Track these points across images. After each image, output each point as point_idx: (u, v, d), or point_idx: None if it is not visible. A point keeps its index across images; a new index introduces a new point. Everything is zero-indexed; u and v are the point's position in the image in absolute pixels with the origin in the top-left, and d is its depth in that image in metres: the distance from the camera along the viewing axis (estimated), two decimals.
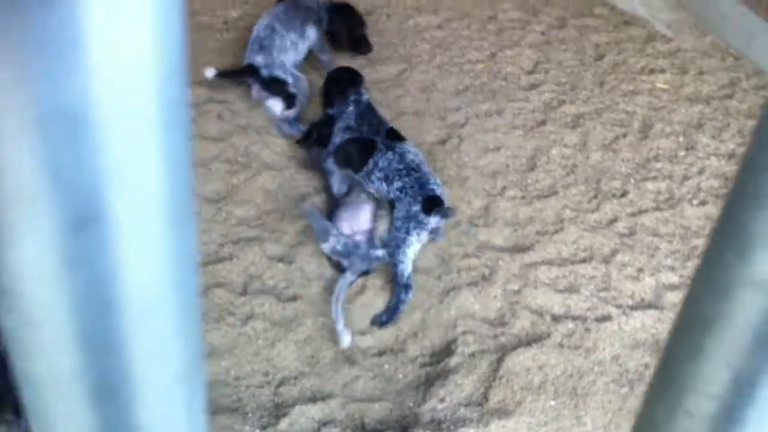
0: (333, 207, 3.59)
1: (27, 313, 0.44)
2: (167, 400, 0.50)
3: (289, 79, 4.19)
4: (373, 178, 3.58)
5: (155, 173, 0.43)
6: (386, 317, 3.22)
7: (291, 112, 4.15)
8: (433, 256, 3.53)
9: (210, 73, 4.26)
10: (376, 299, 3.33)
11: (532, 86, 4.64)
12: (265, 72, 4.18)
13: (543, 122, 4.36)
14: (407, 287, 3.27)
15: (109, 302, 0.43)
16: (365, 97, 4.01)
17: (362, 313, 3.28)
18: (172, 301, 0.46)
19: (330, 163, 3.77)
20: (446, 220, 3.48)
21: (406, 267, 3.31)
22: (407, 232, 3.35)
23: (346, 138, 3.79)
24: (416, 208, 3.39)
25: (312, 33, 4.46)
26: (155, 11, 0.40)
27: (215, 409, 2.84)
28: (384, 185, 3.54)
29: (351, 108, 3.92)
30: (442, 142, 4.19)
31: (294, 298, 3.30)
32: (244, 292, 3.31)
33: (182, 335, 0.49)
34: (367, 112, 3.93)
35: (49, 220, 0.40)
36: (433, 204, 3.39)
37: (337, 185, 3.71)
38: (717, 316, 0.63)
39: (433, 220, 3.40)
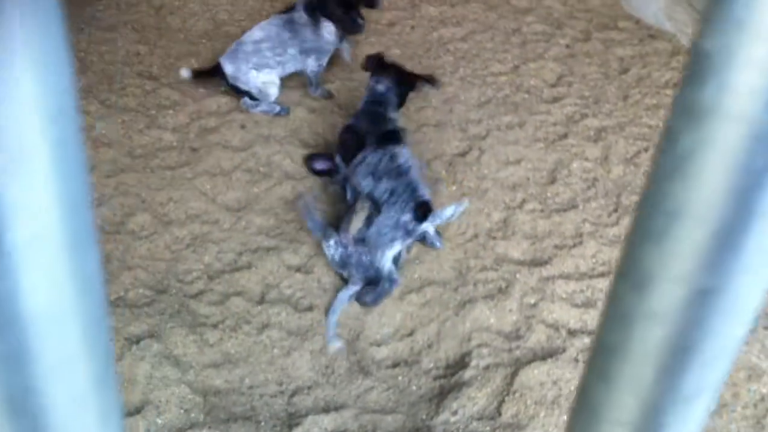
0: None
1: None
2: (77, 413, 0.52)
3: (253, 90, 4.34)
4: (359, 171, 3.60)
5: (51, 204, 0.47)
6: (370, 299, 3.32)
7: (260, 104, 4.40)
8: (450, 269, 3.54)
9: (185, 73, 4.43)
10: (392, 309, 3.34)
11: (555, 99, 4.63)
12: (230, 80, 4.35)
13: (565, 135, 4.35)
14: (392, 280, 3.34)
15: (10, 319, 0.46)
16: (380, 86, 3.95)
17: (377, 322, 3.29)
18: (76, 317, 0.49)
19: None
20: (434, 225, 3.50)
21: (385, 264, 3.33)
22: (392, 240, 3.36)
23: (346, 124, 3.87)
24: (406, 217, 3.39)
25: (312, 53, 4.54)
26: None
27: (228, 418, 2.86)
28: (371, 181, 3.56)
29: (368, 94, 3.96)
30: (463, 154, 4.19)
31: (310, 308, 3.32)
32: (261, 301, 3.34)
33: (89, 349, 0.51)
34: (378, 103, 3.90)
35: None
36: (424, 210, 3.41)
37: (349, 193, 3.73)
38: (619, 346, 0.66)
39: (423, 227, 3.41)
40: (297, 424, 2.87)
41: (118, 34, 4.99)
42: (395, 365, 3.16)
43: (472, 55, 5.00)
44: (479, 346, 3.18)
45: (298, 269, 3.48)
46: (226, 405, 2.91)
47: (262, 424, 2.88)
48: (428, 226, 3.41)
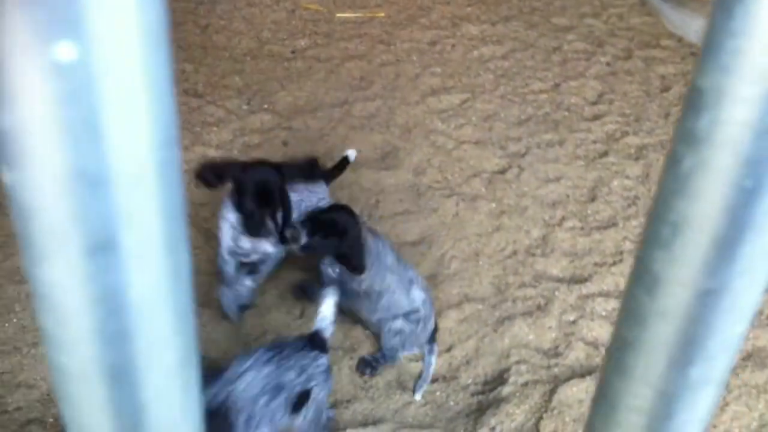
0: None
1: (60, 314, 0.59)
2: (166, 384, 0.66)
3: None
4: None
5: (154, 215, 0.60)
6: (369, 370, 3.18)
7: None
8: (489, 285, 3.55)
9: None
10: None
11: (596, 117, 4.63)
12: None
13: (605, 153, 4.35)
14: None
15: (119, 306, 0.59)
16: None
17: None
18: (167, 306, 0.63)
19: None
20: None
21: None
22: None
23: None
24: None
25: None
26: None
27: None
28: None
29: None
30: (503, 171, 4.21)
31: (353, 325, 3.35)
32: (300, 315, 3.38)
33: (178, 334, 0.65)
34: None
35: (73, 245, 0.56)
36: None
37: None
38: (634, 341, 0.76)
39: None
40: None
41: None
42: (434, 381, 3.17)
43: (513, 73, 5.03)
44: (518, 362, 3.18)
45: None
46: None
47: None
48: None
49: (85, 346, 0.60)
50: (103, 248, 0.56)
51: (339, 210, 3.01)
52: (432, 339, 3.22)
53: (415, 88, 4.82)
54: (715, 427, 2.96)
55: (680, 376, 0.75)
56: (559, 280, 3.58)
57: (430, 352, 3.22)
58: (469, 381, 3.17)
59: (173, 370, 0.66)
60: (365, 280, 3.03)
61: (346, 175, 4.13)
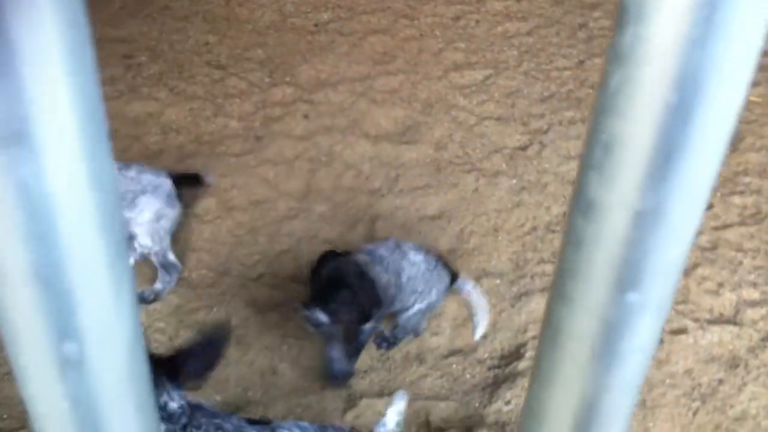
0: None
1: None
2: (97, 284, 0.68)
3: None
4: None
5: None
6: (385, 345, 3.18)
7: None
8: (508, 261, 3.54)
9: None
10: (449, 299, 3.36)
11: None
12: None
13: None
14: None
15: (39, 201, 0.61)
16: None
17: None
18: (91, 204, 0.64)
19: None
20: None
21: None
22: None
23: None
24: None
25: None
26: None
27: (284, 395, 2.93)
28: None
29: None
30: (524, 148, 4.19)
31: None
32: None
33: (104, 232, 0.66)
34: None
35: None
36: None
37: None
38: (574, 267, 0.76)
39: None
40: (352, 407, 2.91)
41: (189, 24, 5.11)
42: (450, 354, 3.18)
43: (537, 49, 4.99)
44: (535, 338, 3.18)
45: None
46: (283, 384, 2.98)
47: (316, 404, 2.94)
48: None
49: (8, 246, 0.61)
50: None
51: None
52: (453, 282, 3.15)
53: (438, 63, 4.80)
54: (732, 407, 2.95)
55: (618, 302, 0.74)
56: None
57: (467, 291, 3.17)
58: (486, 355, 3.17)
59: (104, 270, 0.67)
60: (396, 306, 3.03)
61: (366, 149, 4.13)
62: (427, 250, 3.12)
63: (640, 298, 0.74)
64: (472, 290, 3.16)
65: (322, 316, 2.74)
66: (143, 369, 0.79)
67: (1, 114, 0.54)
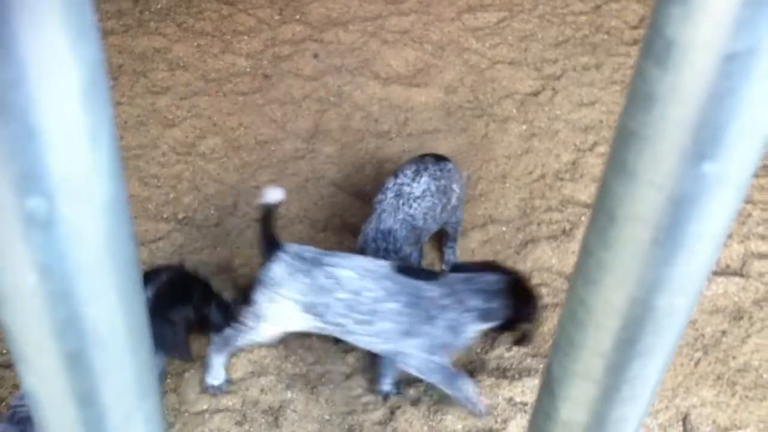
0: None
1: None
2: (68, 122, 0.56)
3: None
4: None
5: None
6: None
7: None
8: (515, 207, 3.51)
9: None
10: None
11: (635, 41, 4.49)
12: None
13: None
14: None
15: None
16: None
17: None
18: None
19: None
20: None
21: None
22: None
23: None
24: None
25: None
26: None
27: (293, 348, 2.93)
28: None
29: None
30: (536, 94, 4.12)
31: None
32: (324, 228, 3.39)
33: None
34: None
35: None
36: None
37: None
38: (640, 129, 0.62)
39: None
40: (350, 350, 2.92)
41: None
42: None
43: None
44: (539, 285, 3.17)
45: (362, 198, 3.51)
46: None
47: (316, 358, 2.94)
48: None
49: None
50: None
51: None
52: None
53: (452, 4, 4.69)
54: (734, 358, 2.95)
55: (692, 173, 0.61)
56: (587, 206, 3.53)
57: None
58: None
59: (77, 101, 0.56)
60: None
61: (376, 91, 4.08)
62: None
63: (719, 169, 0.60)
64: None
65: None
66: (127, 240, 0.64)
67: None
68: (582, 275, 0.75)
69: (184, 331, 2.42)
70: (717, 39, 0.54)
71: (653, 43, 0.58)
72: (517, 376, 2.85)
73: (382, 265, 2.54)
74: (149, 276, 2.38)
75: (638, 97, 0.61)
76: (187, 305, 2.42)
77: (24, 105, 0.50)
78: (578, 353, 0.79)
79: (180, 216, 3.42)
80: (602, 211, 0.69)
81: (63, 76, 0.52)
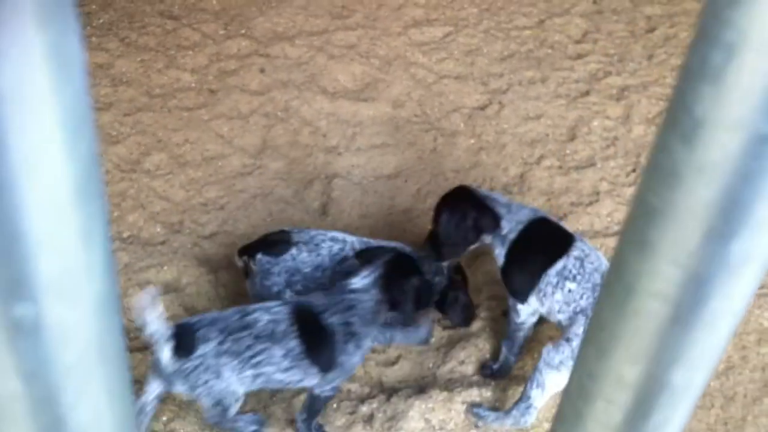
0: None
1: None
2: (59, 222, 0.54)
3: None
4: None
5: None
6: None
7: None
8: None
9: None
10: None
11: (579, 56, 4.56)
12: None
13: (587, 93, 4.29)
14: None
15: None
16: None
17: None
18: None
19: None
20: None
21: None
22: None
23: None
24: None
25: None
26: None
27: None
28: None
29: None
30: (483, 108, 4.15)
31: None
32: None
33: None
34: None
35: None
36: None
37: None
38: (663, 206, 0.61)
39: None
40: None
41: None
42: None
43: (497, 7, 4.92)
44: (489, 298, 3.18)
45: (311, 214, 3.48)
46: None
47: None
48: None
49: None
50: None
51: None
52: None
53: (398, 19, 4.72)
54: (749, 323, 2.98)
55: (717, 251, 0.59)
56: None
57: None
58: (440, 316, 3.16)
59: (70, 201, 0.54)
60: None
61: (323, 106, 4.06)
62: None
63: (745, 248, 0.59)
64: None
65: None
66: (117, 339, 0.63)
67: None
68: (593, 347, 0.74)
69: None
70: (749, 120, 0.53)
71: (680, 121, 0.57)
72: (468, 389, 2.85)
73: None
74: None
75: (661, 173, 0.60)
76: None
77: (11, 205, 0.49)
78: (585, 425, 0.77)
79: (125, 234, 3.34)
80: (619, 284, 0.68)
81: (54, 174, 0.50)
